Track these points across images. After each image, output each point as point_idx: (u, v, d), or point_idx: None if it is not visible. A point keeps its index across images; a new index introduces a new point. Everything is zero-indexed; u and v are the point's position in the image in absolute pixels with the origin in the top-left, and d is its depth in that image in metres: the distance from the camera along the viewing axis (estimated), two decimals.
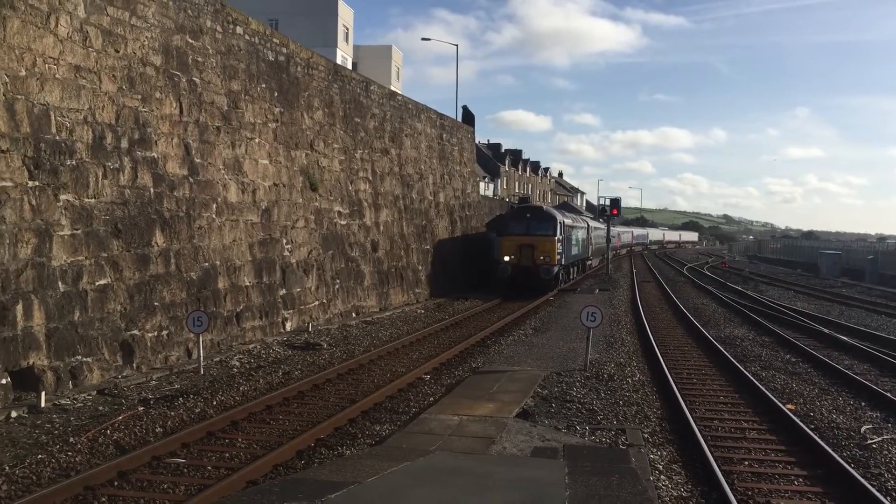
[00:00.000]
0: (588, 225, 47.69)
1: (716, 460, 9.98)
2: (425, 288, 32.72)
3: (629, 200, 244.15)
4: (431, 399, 13.29)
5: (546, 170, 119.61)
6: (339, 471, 8.39)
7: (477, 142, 57.56)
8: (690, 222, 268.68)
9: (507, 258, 33.04)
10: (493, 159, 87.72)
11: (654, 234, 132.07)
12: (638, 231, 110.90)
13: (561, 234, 34.38)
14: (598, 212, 55.35)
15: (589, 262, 50.77)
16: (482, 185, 59.92)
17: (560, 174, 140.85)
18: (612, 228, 53.04)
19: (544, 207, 37.00)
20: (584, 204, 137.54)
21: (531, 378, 14.65)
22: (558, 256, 33.73)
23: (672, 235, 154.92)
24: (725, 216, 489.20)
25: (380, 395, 13.35)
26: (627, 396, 13.63)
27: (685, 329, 24.06)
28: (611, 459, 9.46)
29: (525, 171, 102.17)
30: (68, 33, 14.12)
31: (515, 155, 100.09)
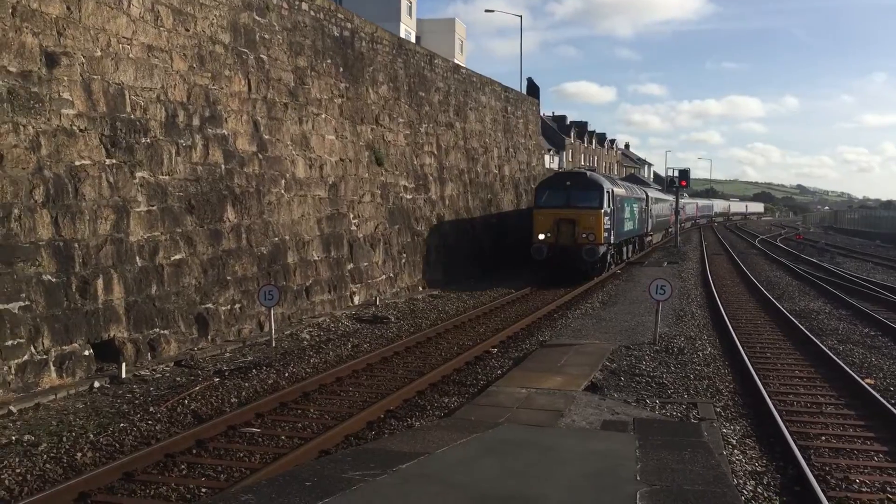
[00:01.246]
0: (647, 195, 40.78)
1: (791, 435, 9.75)
2: (491, 262, 32.67)
3: (698, 172, 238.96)
4: (499, 372, 13.31)
5: (612, 141, 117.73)
6: (410, 441, 8.48)
7: (542, 114, 56.99)
8: (763, 193, 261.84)
9: (541, 236, 26.88)
10: (558, 132, 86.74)
11: (719, 206, 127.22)
12: (702, 202, 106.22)
13: (609, 205, 27.81)
14: (665, 183, 53.51)
15: (648, 239, 43.97)
16: (547, 157, 59.36)
17: (627, 146, 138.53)
18: (666, 199, 49.92)
19: (588, 173, 28.95)
20: (652, 175, 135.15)
21: (599, 351, 14.53)
22: (605, 234, 27.15)
23: (738, 207, 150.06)
24: (799, 186, 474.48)
25: (447, 367, 13.42)
26: (698, 370, 13.41)
27: (757, 302, 23.51)
28: (682, 433, 9.32)
29: (591, 143, 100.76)
30: (140, 13, 14.42)
31: (581, 127, 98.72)
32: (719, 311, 20.17)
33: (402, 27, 65.16)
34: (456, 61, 46.63)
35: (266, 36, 18.51)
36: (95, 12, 13.34)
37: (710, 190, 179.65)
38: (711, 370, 13.60)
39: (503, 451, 8.06)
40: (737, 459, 9.09)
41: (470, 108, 32.93)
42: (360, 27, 23.44)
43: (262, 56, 18.26)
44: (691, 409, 10.84)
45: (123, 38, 13.97)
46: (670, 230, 53.64)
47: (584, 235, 26.54)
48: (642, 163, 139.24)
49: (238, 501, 6.17)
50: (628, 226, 33.20)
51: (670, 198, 50.36)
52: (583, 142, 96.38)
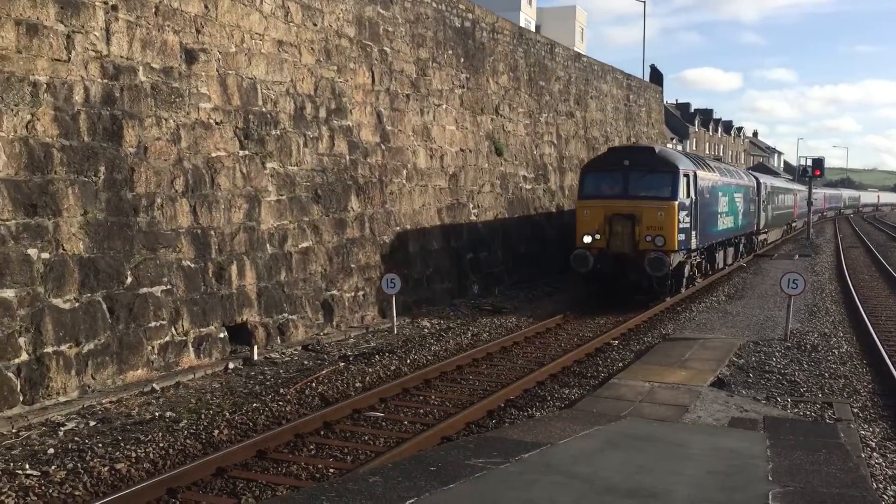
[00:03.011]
0: (757, 182, 32.02)
1: None
2: None
3: (832, 161, 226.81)
4: (620, 364, 13.11)
5: (739, 129, 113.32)
6: (531, 431, 8.48)
7: (665, 102, 55.54)
8: None
9: (586, 238, 18.99)
10: (681, 120, 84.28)
11: (848, 196, 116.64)
12: (830, 192, 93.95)
13: (689, 193, 19.52)
14: (797, 173, 50.79)
15: (762, 237, 34.98)
16: (670, 146, 57.82)
17: (755, 134, 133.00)
18: (788, 189, 43.39)
19: (657, 149, 20.70)
20: (782, 165, 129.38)
21: (726, 346, 14.07)
22: (682, 235, 18.92)
23: (869, 197, 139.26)
24: None
25: (567, 359, 13.33)
26: (833, 368, 12.78)
27: None
28: (816, 434, 8.93)
29: (716, 131, 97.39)
30: (272, 10, 14.95)
31: (706, 115, 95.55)
32: (856, 307, 19.13)
33: (522, 16, 64.82)
34: (576, 49, 46.06)
35: (389, 28, 18.82)
36: (231, 10, 13.93)
37: (845, 179, 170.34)
38: (848, 369, 12.93)
39: (627, 445, 7.95)
40: (876, 463, 8.62)
41: (591, 97, 32.45)
42: (481, 17, 23.48)
43: (385, 48, 18.59)
44: (826, 409, 10.36)
45: (256, 33, 14.53)
46: (794, 224, 49.03)
47: (648, 238, 18.53)
48: (771, 151, 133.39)
49: (366, 483, 6.35)
50: (725, 222, 24.45)
51: (795, 186, 46.75)
52: (707, 130, 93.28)
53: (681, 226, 18.82)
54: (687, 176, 19.46)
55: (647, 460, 7.36)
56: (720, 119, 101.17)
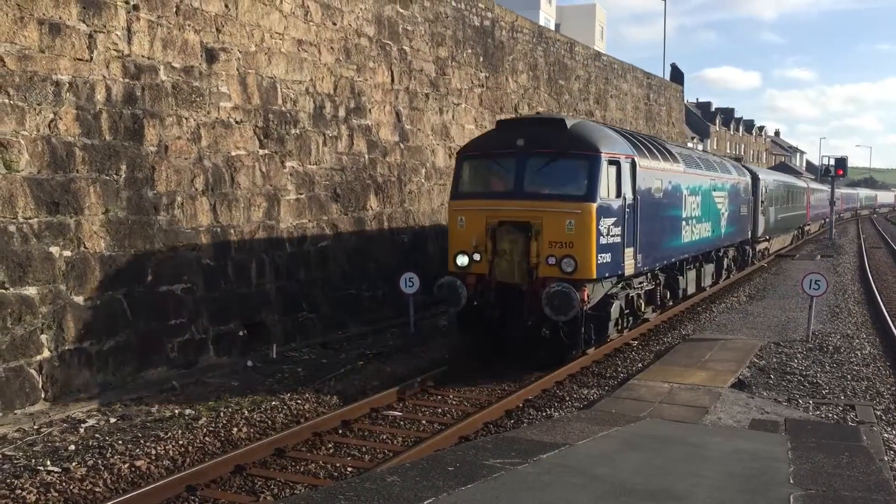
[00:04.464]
0: (753, 178, 25.60)
1: None
2: None
3: (854, 160, 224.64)
4: (640, 365, 13.03)
5: (761, 128, 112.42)
6: (549, 432, 8.45)
7: (685, 101, 55.23)
8: None
9: (461, 260, 12.44)
10: (702, 119, 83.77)
11: (864, 196, 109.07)
12: (846, 192, 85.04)
13: (620, 190, 12.68)
14: (819, 172, 50.06)
15: (761, 247, 28.90)
16: (690, 145, 57.47)
17: (777, 133, 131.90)
18: (797, 186, 38.13)
19: (568, 121, 12.81)
20: (804, 164, 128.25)
21: (746, 347, 13.95)
22: (605, 255, 12.18)
23: (886, 197, 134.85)
24: None
25: (587, 359, 13.25)
26: (856, 370, 12.63)
27: None
28: (838, 436, 8.82)
29: (737, 130, 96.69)
30: (291, 9, 14.99)
31: (727, 114, 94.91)
32: (880, 308, 18.90)
33: (542, 15, 64.64)
34: (596, 48, 45.90)
35: (409, 28, 18.83)
36: (251, 9, 13.98)
37: (868, 179, 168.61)
38: (871, 371, 12.78)
39: (646, 446, 7.89)
40: None
41: (610, 96, 32.32)
42: (501, 16, 23.44)
43: (404, 47, 18.60)
44: (848, 412, 10.24)
45: (276, 33, 14.58)
46: (808, 228, 44.15)
47: (551, 260, 11.82)
48: (793, 151, 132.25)
49: (384, 482, 6.35)
50: (697, 231, 17.64)
51: (807, 185, 42.67)
52: (728, 129, 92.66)
53: (605, 240, 11.98)
54: (617, 164, 12.40)
55: (666, 462, 7.31)
56: (741, 118, 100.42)
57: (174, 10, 12.47)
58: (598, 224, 11.84)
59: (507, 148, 12.38)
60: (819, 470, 7.26)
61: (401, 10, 18.53)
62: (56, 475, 7.58)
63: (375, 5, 17.56)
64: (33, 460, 7.99)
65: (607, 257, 12.14)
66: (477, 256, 12.21)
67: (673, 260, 16.00)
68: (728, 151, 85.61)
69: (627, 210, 12.75)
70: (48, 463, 7.92)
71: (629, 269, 12.98)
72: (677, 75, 46.84)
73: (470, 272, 12.30)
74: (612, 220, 12.26)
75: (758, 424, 9.32)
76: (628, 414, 9.53)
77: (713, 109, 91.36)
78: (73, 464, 7.88)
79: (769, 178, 29.61)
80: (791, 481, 6.83)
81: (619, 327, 13.71)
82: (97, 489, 7.37)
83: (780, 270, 28.33)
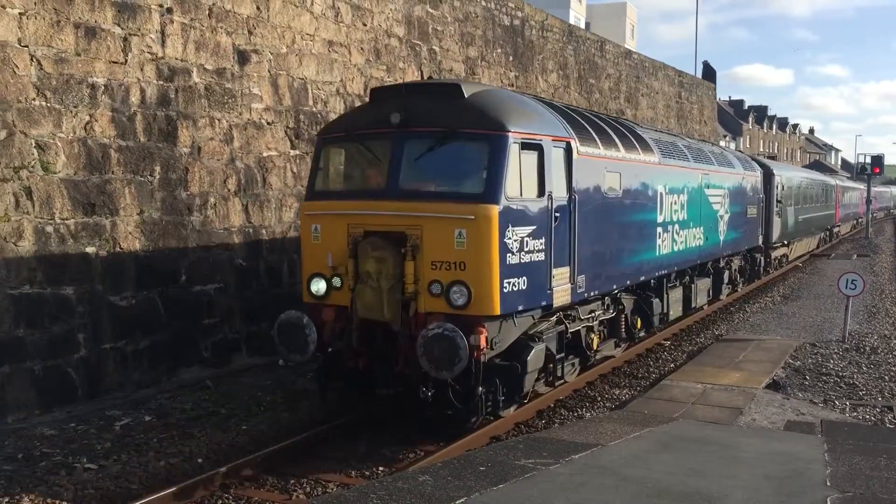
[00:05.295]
0: (766, 174, 21.99)
1: None
2: None
3: (891, 157, 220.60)
4: (672, 365, 12.92)
5: (795, 126, 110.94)
6: (581, 432, 8.41)
7: (717, 99, 54.64)
8: None
9: (315, 286, 8.95)
10: (734, 117, 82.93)
11: (890, 195, 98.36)
12: (879, 189, 75.93)
13: (543, 187, 8.85)
14: (855, 171, 49.20)
15: (777, 253, 25.12)
16: (722, 144, 56.88)
17: (811, 130, 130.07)
18: (823, 184, 34.55)
19: (465, 87, 8.95)
20: (840, 162, 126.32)
21: (781, 348, 13.77)
22: (519, 279, 8.47)
23: None
24: None
25: (618, 359, 13.16)
26: (894, 371, 12.40)
27: None
28: (876, 438, 8.68)
29: (771, 128, 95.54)
30: (322, 10, 15.08)
31: (760, 111, 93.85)
32: None
33: (572, 13, 64.38)
34: (627, 46, 45.60)
35: (438, 28, 18.85)
36: (282, 11, 14.08)
37: None
38: None
39: (679, 447, 7.83)
40: None
41: (641, 95, 32.09)
42: (531, 15, 23.37)
43: (434, 48, 18.61)
44: (886, 413, 10.07)
45: (307, 34, 14.67)
46: (837, 230, 41.57)
47: (434, 289, 8.31)
48: (828, 149, 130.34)
49: (416, 481, 6.36)
50: (682, 240, 14.29)
51: (836, 181, 39.57)
52: (762, 127, 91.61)
53: (516, 258, 8.45)
54: (537, 149, 8.86)
55: (700, 463, 7.24)
56: (775, 116, 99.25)
57: (207, 12, 12.60)
58: (503, 235, 8.17)
59: (379, 126, 8.71)
60: (856, 472, 7.14)
61: (430, 11, 18.55)
62: (92, 472, 7.69)
63: (405, 6, 17.60)
64: (70, 457, 8.11)
65: (520, 283, 8.43)
66: (337, 281, 8.70)
67: (643, 278, 12.39)
68: (761, 150, 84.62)
69: (556, 214, 8.96)
70: (84, 460, 8.04)
71: (562, 296, 9.21)
72: (709, 73, 46.36)
73: (328, 303, 8.79)
74: (529, 229, 8.55)
75: (793, 426, 9.20)
76: (661, 415, 9.45)
77: (746, 107, 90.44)
78: (109, 461, 7.99)
79: (787, 174, 25.81)
80: (828, 483, 6.74)
81: (552, 377, 9.79)
82: (132, 486, 7.46)
83: (815, 270, 27.95)
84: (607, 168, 10.60)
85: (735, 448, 7.90)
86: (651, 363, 13.24)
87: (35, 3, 10.06)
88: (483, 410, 8.51)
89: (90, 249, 10.39)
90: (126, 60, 11.25)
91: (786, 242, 25.94)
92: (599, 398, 10.96)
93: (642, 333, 13.49)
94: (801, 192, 28.06)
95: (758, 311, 18.56)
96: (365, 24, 16.28)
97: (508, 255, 8.27)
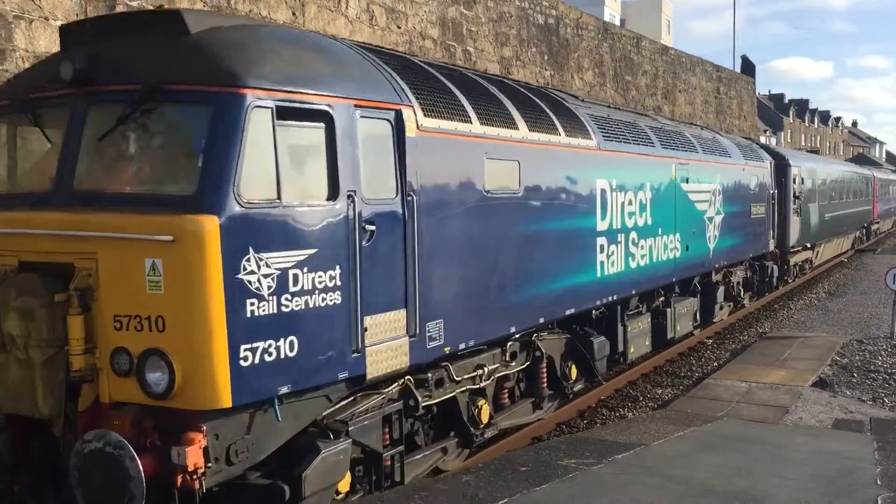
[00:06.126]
0: (779, 165, 19.16)
1: None
2: None
3: None
4: (715, 364, 12.77)
5: (837, 119, 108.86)
6: (623, 432, 8.34)
7: (757, 93, 53.89)
8: None
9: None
10: (774, 111, 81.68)
11: None
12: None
13: (337, 184, 5.45)
14: None
15: (798, 259, 21.73)
16: (763, 139, 56.04)
17: (854, 123, 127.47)
18: (855, 175, 31.66)
19: (189, 18, 5.34)
20: (884, 155, 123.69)
21: (827, 345, 13.52)
22: (280, 342, 5.06)
23: None
24: None
25: (659, 358, 13.04)
26: None
27: None
28: None
29: (812, 121, 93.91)
30: (357, 14, 15.17)
31: (801, 105, 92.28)
32: None
33: (607, 10, 63.91)
34: (663, 42, 45.14)
35: (472, 28, 18.85)
36: (317, 16, 14.20)
37: None
38: None
39: (724, 447, 7.73)
40: None
41: (679, 91, 31.75)
42: (565, 14, 23.27)
43: (468, 48, 18.62)
44: None
45: (342, 38, 14.76)
46: (875, 227, 38.31)
47: (122, 365, 4.85)
48: (872, 142, 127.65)
49: (458, 482, 6.36)
50: (642, 253, 10.91)
51: (873, 173, 36.82)
52: (803, 121, 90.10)
53: (269, 307, 5.04)
54: (322, 118, 5.50)
55: (745, 463, 7.14)
56: (816, 109, 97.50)
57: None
58: (234, 266, 4.86)
59: (51, 87, 5.44)
60: None
61: (465, 11, 18.56)
62: None
63: (439, 7, 17.63)
64: None
65: (282, 347, 5.14)
66: None
67: (573, 310, 9.06)
68: (803, 144, 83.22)
69: (369, 227, 5.74)
70: None
71: (389, 358, 6.00)
72: (748, 67, 45.72)
73: None
74: (303, 254, 5.25)
75: (841, 424, 9.03)
76: (705, 414, 9.34)
77: (786, 101, 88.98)
78: None
79: (808, 165, 22.25)
80: (878, 482, 6.60)
81: (386, 480, 6.41)
82: None
83: (860, 265, 27.42)
84: (489, 154, 7.29)
85: (782, 447, 7.77)
86: (693, 362, 13.11)
87: None
88: None
89: None
90: None
91: (808, 245, 22.44)
92: (641, 398, 10.87)
93: (577, 388, 9.96)
94: (829, 186, 24.79)
95: (802, 308, 18.26)
96: (399, 27, 16.34)
97: (250, 300, 4.92)
